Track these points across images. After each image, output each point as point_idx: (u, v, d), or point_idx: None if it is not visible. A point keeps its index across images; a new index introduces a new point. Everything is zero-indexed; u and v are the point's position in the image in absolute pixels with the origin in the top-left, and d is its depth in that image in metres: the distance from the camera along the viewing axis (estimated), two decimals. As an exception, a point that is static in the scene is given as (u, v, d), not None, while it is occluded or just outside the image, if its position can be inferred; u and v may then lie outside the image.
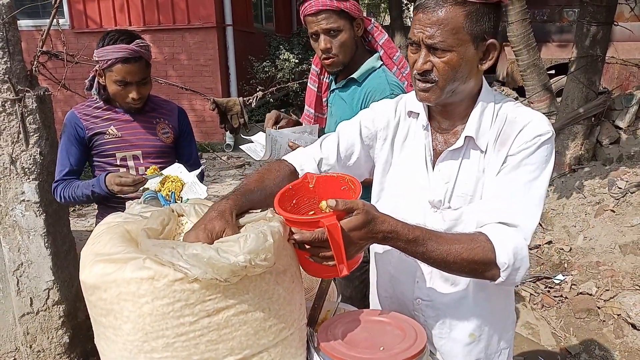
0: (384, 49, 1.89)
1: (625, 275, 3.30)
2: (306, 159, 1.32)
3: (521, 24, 6.50)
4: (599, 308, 3.07)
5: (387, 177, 1.32)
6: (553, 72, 7.95)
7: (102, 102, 1.95)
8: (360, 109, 1.83)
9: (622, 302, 2.94)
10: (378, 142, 1.32)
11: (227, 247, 0.90)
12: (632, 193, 3.81)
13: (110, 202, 1.97)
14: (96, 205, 2.15)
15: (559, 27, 7.97)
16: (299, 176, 1.28)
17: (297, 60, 7.85)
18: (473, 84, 1.17)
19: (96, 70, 1.88)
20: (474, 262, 1.05)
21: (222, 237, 0.97)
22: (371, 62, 1.87)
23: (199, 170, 1.86)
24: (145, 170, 1.87)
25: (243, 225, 1.06)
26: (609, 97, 4.65)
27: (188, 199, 1.53)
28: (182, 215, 1.19)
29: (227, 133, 7.00)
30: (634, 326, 2.84)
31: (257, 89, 7.61)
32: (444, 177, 1.21)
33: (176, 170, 1.82)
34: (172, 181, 1.74)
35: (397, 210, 1.26)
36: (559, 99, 5.69)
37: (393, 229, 1.02)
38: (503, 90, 8.07)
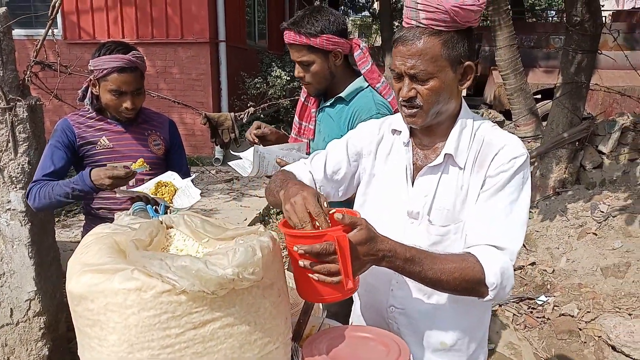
0: (366, 77, 1.92)
1: (606, 298, 3.34)
2: (303, 171, 1.40)
3: (509, 49, 6.66)
4: (580, 329, 3.10)
5: (370, 188, 1.38)
6: (539, 96, 8.11)
7: (94, 113, 1.96)
8: (348, 127, 1.87)
9: (603, 324, 2.98)
10: (363, 157, 1.39)
11: (215, 259, 0.91)
12: (613, 217, 3.89)
13: (98, 214, 1.96)
14: (83, 217, 2.14)
15: (546, 53, 8.17)
16: None
17: (288, 78, 7.92)
18: (454, 104, 1.26)
19: (90, 80, 1.90)
20: (465, 281, 1.11)
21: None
22: (359, 82, 1.92)
23: (191, 178, 1.87)
24: (131, 165, 1.85)
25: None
26: (593, 123, 4.76)
27: (178, 210, 1.56)
28: (171, 227, 1.20)
29: (217, 147, 7.00)
30: (614, 348, 2.87)
31: (248, 105, 7.65)
32: (423, 190, 1.27)
33: (170, 177, 1.84)
34: (165, 186, 1.76)
35: (379, 222, 1.29)
36: (544, 123, 5.80)
37: (392, 247, 1.07)
38: (490, 113, 8.21)
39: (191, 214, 1.22)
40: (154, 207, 1.39)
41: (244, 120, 2.92)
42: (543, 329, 3.23)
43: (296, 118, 2.12)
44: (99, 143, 1.93)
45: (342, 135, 1.90)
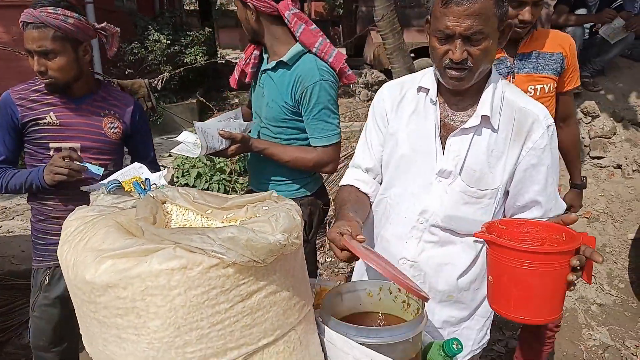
0: (302, 41, 1.85)
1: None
2: (361, 176, 1.46)
3: (387, 9, 6.92)
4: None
5: (393, 148, 1.37)
6: (413, 55, 8.61)
7: (43, 85, 1.68)
8: (290, 94, 1.83)
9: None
10: (391, 121, 1.39)
11: (259, 227, 0.87)
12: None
13: (45, 200, 1.71)
14: (23, 203, 1.84)
15: (418, 12, 8.65)
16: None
17: (168, 42, 7.42)
18: (491, 64, 1.26)
19: None
20: None
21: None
22: (300, 45, 1.86)
23: (163, 173, 1.66)
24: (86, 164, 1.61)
25: None
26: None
27: (163, 185, 1.39)
28: (165, 202, 1.11)
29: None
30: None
31: (126, 72, 7.06)
32: (455, 150, 1.27)
33: (137, 170, 1.63)
34: (135, 180, 1.55)
35: (405, 181, 1.34)
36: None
37: None
38: (372, 72, 8.54)
39: (184, 187, 1.14)
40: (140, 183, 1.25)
41: (158, 87, 2.70)
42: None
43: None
44: (45, 119, 1.66)
45: (285, 101, 1.85)
